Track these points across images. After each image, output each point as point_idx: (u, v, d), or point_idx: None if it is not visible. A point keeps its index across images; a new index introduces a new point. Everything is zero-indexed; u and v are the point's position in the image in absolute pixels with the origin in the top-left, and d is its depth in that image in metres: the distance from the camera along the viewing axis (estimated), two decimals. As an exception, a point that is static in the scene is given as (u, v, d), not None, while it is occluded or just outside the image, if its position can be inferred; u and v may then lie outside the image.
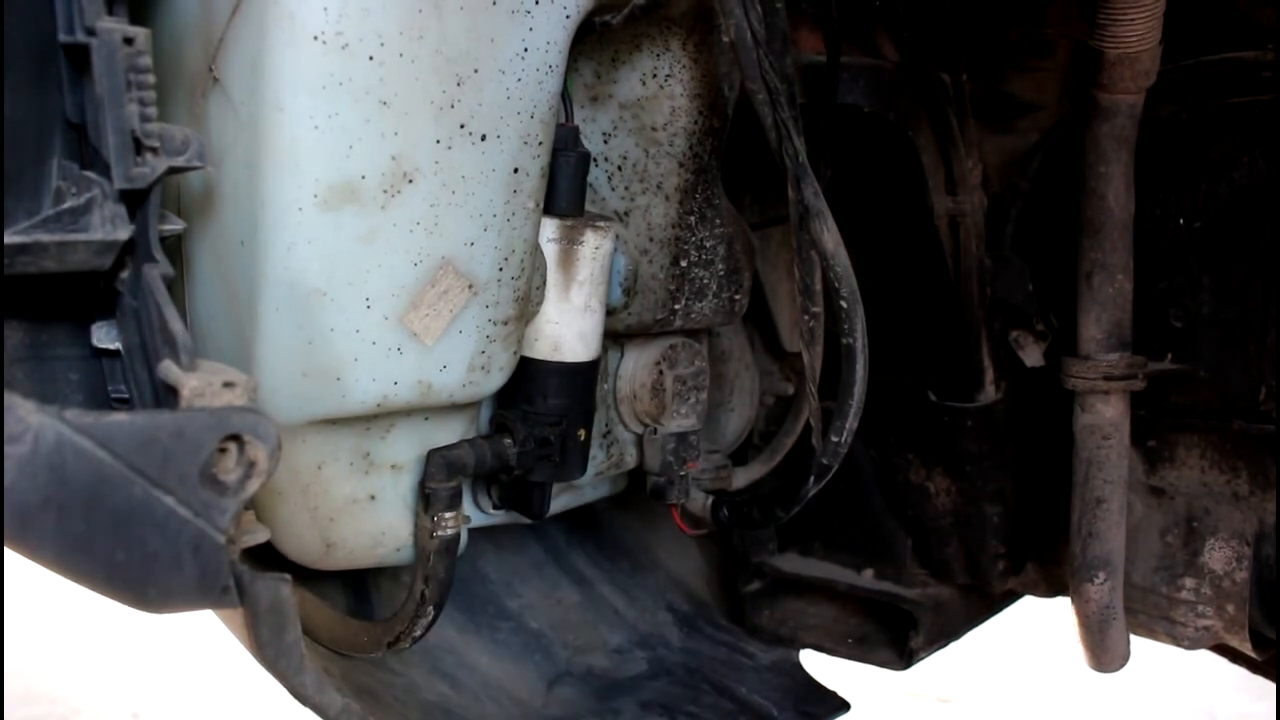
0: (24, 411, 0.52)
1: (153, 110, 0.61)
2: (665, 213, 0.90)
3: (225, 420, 0.57)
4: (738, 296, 0.99)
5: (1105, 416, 1.01)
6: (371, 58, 0.65)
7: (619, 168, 0.89)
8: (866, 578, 1.27)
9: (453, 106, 0.69)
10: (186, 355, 0.60)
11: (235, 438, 0.58)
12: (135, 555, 0.57)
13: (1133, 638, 1.11)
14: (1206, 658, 1.23)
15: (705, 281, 0.95)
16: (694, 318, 0.96)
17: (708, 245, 0.93)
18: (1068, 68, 1.13)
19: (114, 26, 0.59)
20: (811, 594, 1.30)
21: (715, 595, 1.37)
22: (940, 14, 1.07)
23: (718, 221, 0.93)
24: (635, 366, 0.98)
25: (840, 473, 0.96)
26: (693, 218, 0.91)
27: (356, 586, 1.05)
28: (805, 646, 1.30)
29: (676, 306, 0.93)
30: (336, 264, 0.68)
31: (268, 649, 0.63)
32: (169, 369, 0.60)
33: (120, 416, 0.55)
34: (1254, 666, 1.24)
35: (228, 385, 0.60)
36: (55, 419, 0.53)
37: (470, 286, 0.74)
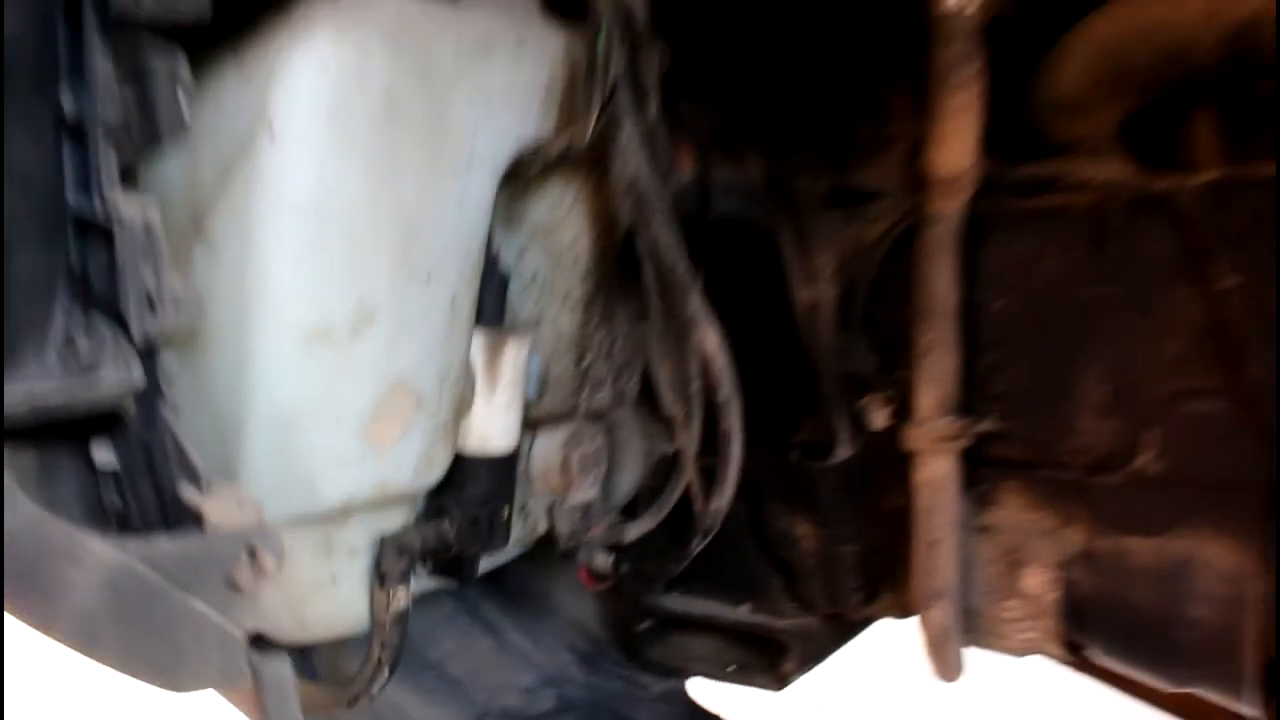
0: (93, 545, 0.64)
1: (166, 274, 0.73)
2: (571, 320, 1.05)
3: (245, 538, 0.71)
4: (630, 385, 1.15)
5: (938, 472, 1.21)
6: (342, 221, 0.79)
7: (532, 281, 1.04)
8: (743, 612, 1.44)
9: (406, 255, 0.83)
10: (204, 482, 0.72)
11: (250, 550, 0.71)
12: (173, 650, 0.70)
13: (976, 650, 1.32)
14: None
15: (603, 375, 1.11)
16: (594, 406, 1.11)
17: (606, 345, 1.09)
18: (908, 158, 1.33)
19: (136, 212, 0.71)
20: (696, 629, 1.47)
21: (610, 635, 1.53)
22: (796, 120, 1.25)
23: (614, 323, 1.10)
24: (546, 449, 1.13)
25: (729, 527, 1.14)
26: (594, 322, 1.07)
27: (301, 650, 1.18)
28: (692, 675, 1.47)
29: (580, 398, 1.09)
30: (313, 393, 0.82)
31: (273, 717, 0.76)
32: (192, 494, 0.72)
33: (165, 542, 0.68)
34: (1080, 667, 1.47)
35: (240, 505, 0.73)
36: (118, 549, 0.65)
37: (417, 401, 0.88)
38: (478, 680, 1.35)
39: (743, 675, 1.45)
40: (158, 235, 0.71)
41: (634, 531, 1.28)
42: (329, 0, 0.73)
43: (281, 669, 0.76)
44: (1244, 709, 1.22)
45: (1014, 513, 1.27)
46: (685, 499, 1.28)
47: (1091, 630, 1.26)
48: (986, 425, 1.23)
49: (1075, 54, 1.16)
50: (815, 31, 1.21)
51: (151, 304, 0.73)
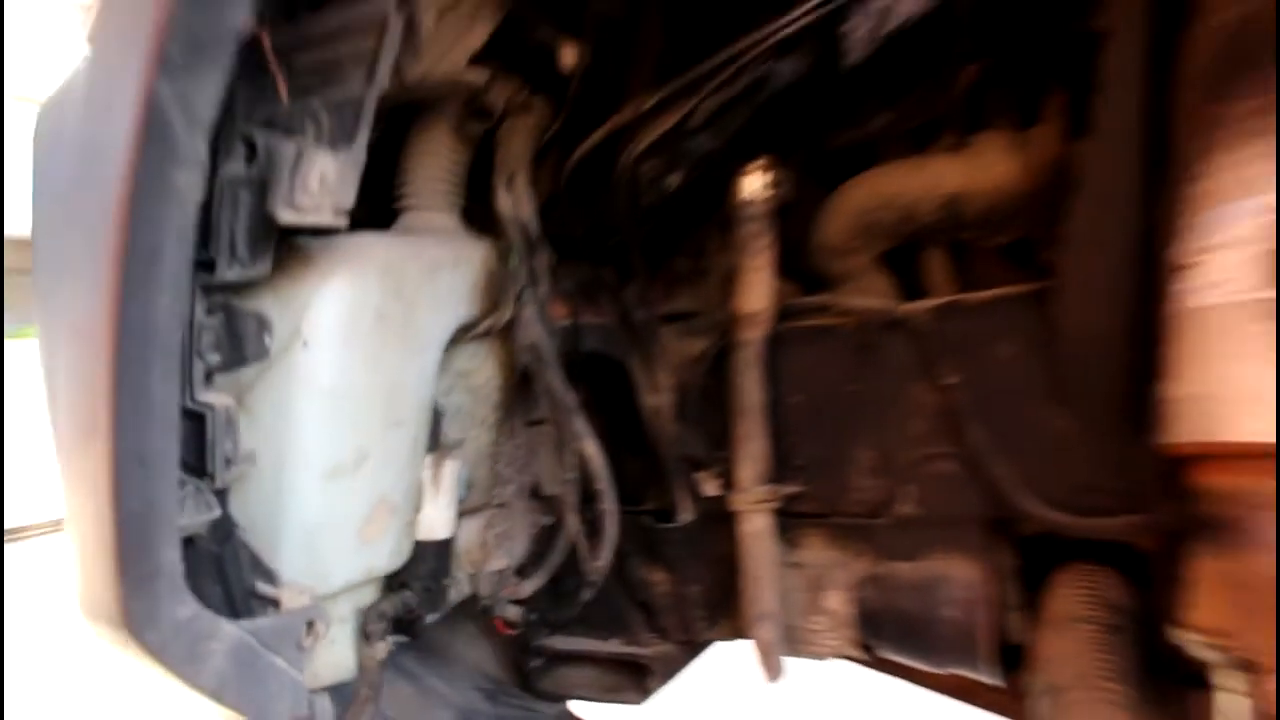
0: (222, 623, 0.98)
1: (234, 443, 1.07)
2: (486, 437, 1.42)
3: (309, 614, 1.06)
4: (527, 480, 1.52)
5: (757, 525, 1.60)
6: (349, 395, 1.14)
7: (457, 412, 1.41)
8: (613, 645, 1.80)
9: (387, 412, 1.19)
10: (276, 578, 1.07)
11: (309, 622, 1.06)
12: (263, 695, 1.03)
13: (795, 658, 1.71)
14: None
15: (509, 475, 1.48)
16: (502, 498, 1.49)
17: (509, 453, 1.47)
18: (720, 283, 1.71)
19: (219, 401, 1.05)
20: (576, 661, 1.83)
21: (506, 674, 1.88)
22: (634, 267, 1.64)
23: (514, 437, 1.47)
24: (469, 532, 1.49)
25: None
26: (503, 439, 1.44)
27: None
28: (575, 698, 1.83)
29: (493, 493, 1.46)
30: (328, 511, 1.16)
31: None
32: (267, 589, 1.06)
33: (264, 620, 1.02)
34: (873, 665, 1.89)
35: (300, 593, 1.08)
36: (236, 627, 0.99)
37: (393, 509, 1.24)
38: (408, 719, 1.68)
39: (615, 695, 1.82)
40: (235, 418, 1.06)
41: (528, 588, 1.64)
42: (341, 251, 1.09)
43: (326, 705, 1.10)
44: (987, 680, 1.66)
45: (815, 551, 1.64)
46: (565, 563, 1.65)
47: (878, 634, 1.62)
48: (790, 489, 1.60)
49: (837, 214, 1.58)
50: (644, 203, 1.60)
51: (228, 462, 1.07)
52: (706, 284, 1.71)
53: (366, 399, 1.15)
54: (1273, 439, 1.11)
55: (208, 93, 0.76)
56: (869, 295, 1.61)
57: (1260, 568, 1.15)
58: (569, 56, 1.27)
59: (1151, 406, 1.26)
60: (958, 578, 1.54)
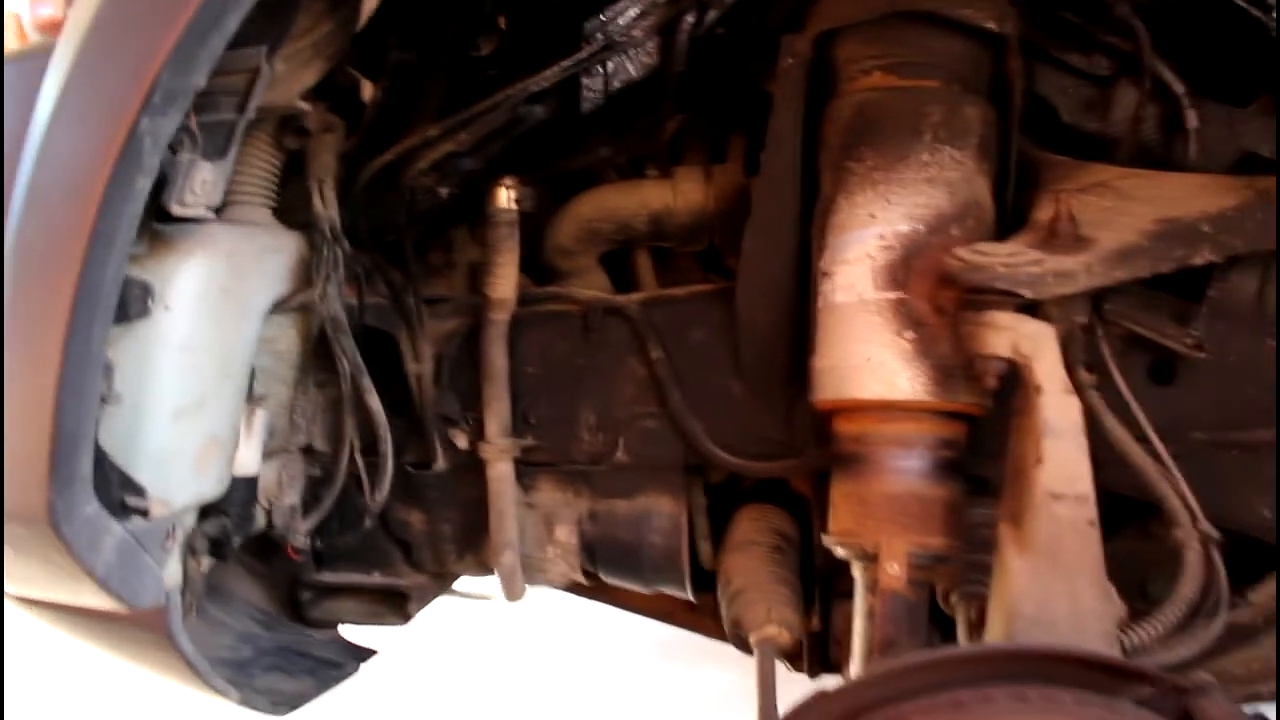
0: (112, 522, 1.25)
1: (109, 385, 1.34)
2: (286, 393, 1.73)
3: (170, 522, 1.35)
4: (315, 428, 1.83)
5: (502, 471, 1.95)
6: (197, 351, 1.42)
7: (263, 370, 1.69)
8: (376, 577, 2.12)
9: (223, 367, 1.48)
10: (145, 495, 1.35)
11: (170, 528, 1.35)
12: (137, 585, 1.30)
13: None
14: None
15: (302, 424, 1.79)
16: (296, 443, 1.79)
17: (305, 409, 1.78)
18: (468, 274, 2.05)
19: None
20: (343, 593, 2.13)
21: (275, 607, 2.15)
22: (403, 259, 1.96)
23: (310, 395, 1.78)
24: (269, 472, 1.77)
25: (358, 515, 1.86)
26: (299, 395, 1.75)
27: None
28: (343, 623, 2.14)
29: (292, 440, 1.76)
30: (175, 444, 1.43)
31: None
32: (136, 501, 1.34)
33: (138, 524, 1.30)
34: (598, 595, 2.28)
35: (163, 505, 1.36)
36: (121, 526, 1.27)
37: (220, 446, 1.53)
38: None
39: (379, 619, 2.14)
40: (111, 365, 1.33)
41: (311, 523, 1.91)
42: (197, 236, 1.39)
43: (176, 600, 1.39)
44: (685, 596, 2.08)
45: (546, 493, 1.99)
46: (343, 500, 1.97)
47: (598, 561, 2.01)
48: (527, 441, 1.96)
49: (566, 222, 1.97)
50: (419, 209, 1.90)
51: (103, 400, 1.33)
52: (454, 274, 2.07)
53: (208, 355, 1.44)
54: (884, 396, 1.58)
55: (170, 126, 1.06)
56: (591, 288, 2.02)
57: (876, 485, 1.62)
58: (368, 91, 1.61)
59: (804, 376, 1.72)
60: (663, 511, 1.96)
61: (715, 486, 2.07)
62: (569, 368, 1.98)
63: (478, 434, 1.97)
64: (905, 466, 1.60)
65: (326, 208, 1.62)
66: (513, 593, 2.01)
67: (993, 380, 1.53)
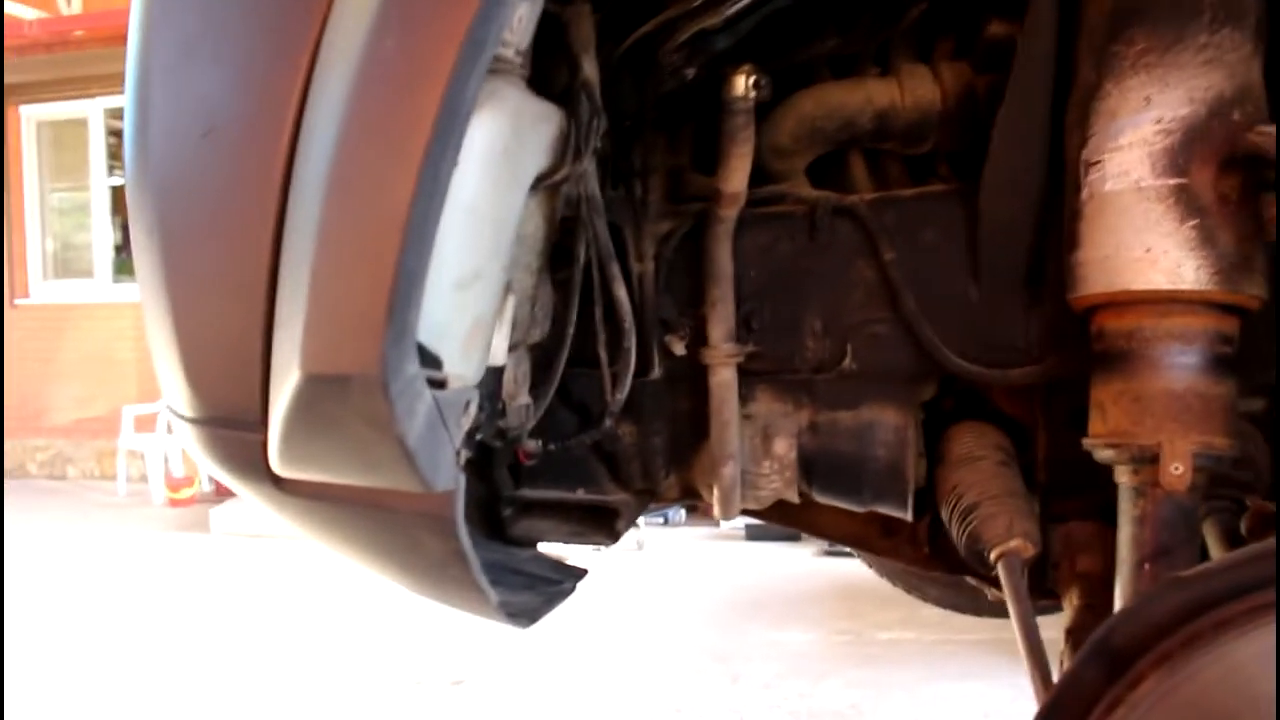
0: (425, 387, 1.16)
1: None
2: (529, 282, 1.63)
3: (468, 394, 1.25)
4: (547, 322, 1.74)
5: (725, 378, 1.87)
6: (478, 215, 1.33)
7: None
8: (580, 494, 2.04)
9: (495, 239, 1.38)
10: (441, 366, 1.26)
11: (467, 401, 1.26)
12: (439, 459, 1.21)
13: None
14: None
15: (540, 318, 1.69)
16: (533, 339, 1.70)
17: (544, 301, 1.68)
18: (666, 178, 1.95)
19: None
20: (545, 510, 2.05)
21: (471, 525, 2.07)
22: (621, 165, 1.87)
23: (548, 287, 1.69)
24: (509, 366, 1.69)
25: (558, 431, 1.76)
26: (541, 285, 1.66)
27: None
28: (545, 542, 2.06)
29: (529, 333, 1.67)
30: (450, 317, 1.33)
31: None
32: (434, 373, 1.25)
33: (442, 393, 1.21)
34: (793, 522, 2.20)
35: (459, 378, 1.27)
36: (431, 393, 1.18)
37: (484, 328, 1.44)
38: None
39: (584, 537, 2.05)
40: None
41: (534, 418, 1.83)
42: (485, 90, 1.28)
43: (463, 480, 1.30)
44: (905, 514, 1.99)
45: (765, 404, 1.92)
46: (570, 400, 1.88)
47: (815, 477, 1.93)
48: (749, 348, 1.88)
49: (786, 119, 1.87)
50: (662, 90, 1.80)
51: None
52: (656, 179, 1.98)
53: (487, 223, 1.35)
54: (1168, 287, 1.50)
55: None
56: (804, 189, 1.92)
57: (1154, 382, 1.53)
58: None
59: (1054, 276, 1.62)
60: (889, 423, 1.88)
61: (924, 405, 1.98)
62: (793, 271, 1.89)
63: (696, 340, 1.89)
64: (1186, 362, 1.52)
65: (591, 76, 1.52)
66: (729, 509, 1.92)
67: None
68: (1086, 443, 1.60)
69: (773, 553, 6.95)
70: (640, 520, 7.75)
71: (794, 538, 7.02)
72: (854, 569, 4.45)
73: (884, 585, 3.61)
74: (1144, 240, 1.49)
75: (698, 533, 7.67)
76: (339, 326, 1.06)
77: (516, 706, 4.05)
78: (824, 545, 6.73)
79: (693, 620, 5.39)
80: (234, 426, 1.29)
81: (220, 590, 5.98)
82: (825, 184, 1.95)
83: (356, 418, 1.10)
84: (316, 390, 1.11)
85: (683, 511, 7.78)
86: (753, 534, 7.13)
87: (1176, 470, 1.48)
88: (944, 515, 1.90)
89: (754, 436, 1.94)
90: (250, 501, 1.49)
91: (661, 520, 7.71)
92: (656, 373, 1.93)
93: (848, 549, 2.78)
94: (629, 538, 7.54)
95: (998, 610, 2.87)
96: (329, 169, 1.05)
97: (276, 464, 1.27)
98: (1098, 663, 1.21)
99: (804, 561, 6.76)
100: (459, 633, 4.78)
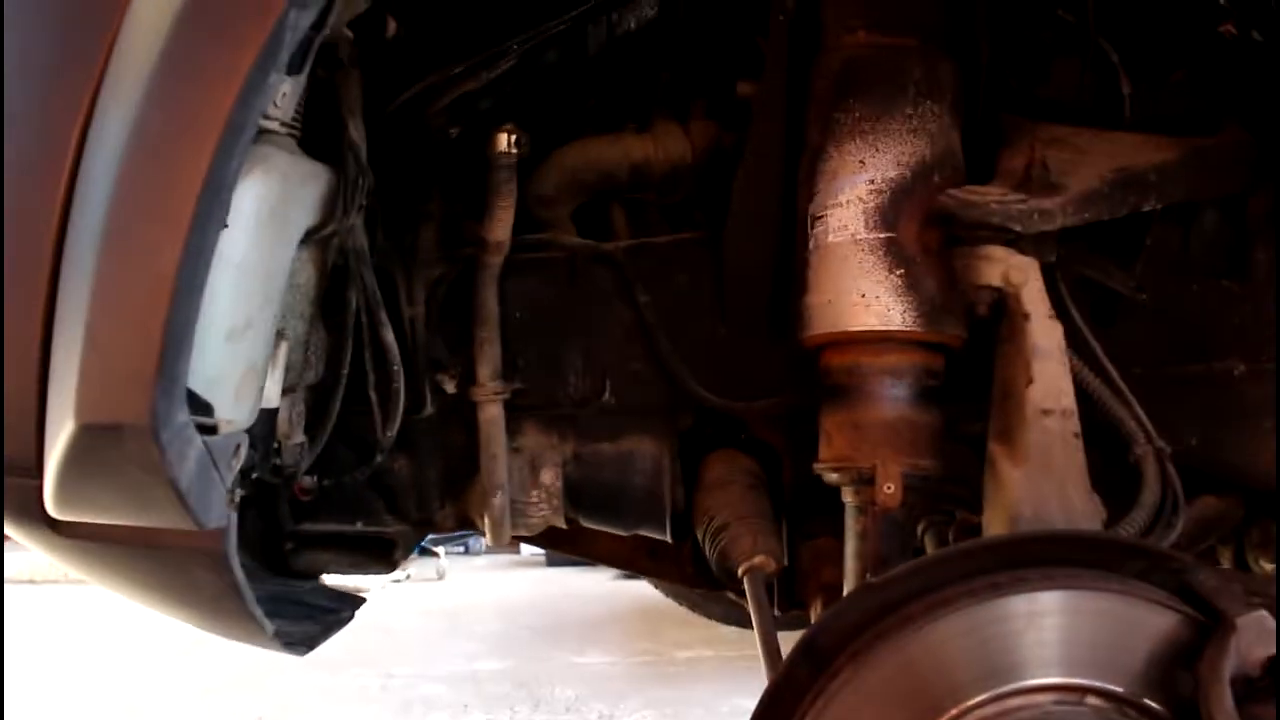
0: (195, 434, 1.26)
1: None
2: (302, 329, 1.74)
3: (238, 439, 1.36)
4: (321, 365, 1.85)
5: (493, 413, 2.01)
6: (248, 270, 1.43)
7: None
8: (358, 527, 2.14)
9: (265, 290, 1.49)
10: (212, 412, 1.36)
11: (237, 445, 1.36)
12: (208, 502, 1.31)
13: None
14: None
15: (313, 364, 1.80)
16: (307, 381, 1.80)
17: (317, 346, 1.79)
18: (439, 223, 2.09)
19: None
20: (324, 543, 2.14)
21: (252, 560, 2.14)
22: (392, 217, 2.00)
23: (320, 333, 1.80)
24: (283, 409, 1.77)
25: (336, 467, 1.88)
26: (314, 331, 1.76)
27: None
28: (326, 574, 2.14)
29: (304, 377, 1.77)
30: (222, 367, 1.42)
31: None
32: (204, 419, 1.35)
33: (212, 439, 1.31)
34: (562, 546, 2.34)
35: (229, 423, 1.37)
36: (200, 439, 1.28)
37: (257, 375, 1.54)
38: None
39: (364, 568, 2.15)
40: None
41: (310, 457, 1.92)
42: (255, 155, 1.39)
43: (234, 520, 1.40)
44: (662, 537, 2.16)
45: (532, 437, 2.06)
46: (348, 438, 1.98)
47: (581, 504, 2.09)
48: (516, 385, 2.03)
49: (550, 171, 2.04)
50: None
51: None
52: (429, 228, 2.11)
53: (256, 278, 1.45)
54: (879, 328, 1.70)
55: (307, 22, 1.09)
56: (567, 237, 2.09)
57: (870, 412, 1.74)
58: (391, 28, 1.65)
59: (790, 317, 1.83)
60: (647, 453, 2.07)
61: (682, 434, 2.16)
62: (555, 314, 2.06)
63: (466, 379, 2.03)
64: (896, 394, 1.73)
65: (358, 139, 1.65)
66: (501, 537, 2.06)
67: (984, 308, 1.68)
68: (816, 467, 1.80)
69: (572, 578, 7.09)
70: (441, 550, 7.84)
71: (594, 562, 7.16)
72: (652, 592, 4.65)
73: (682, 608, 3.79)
74: (860, 286, 1.71)
75: (498, 560, 7.76)
76: (112, 378, 1.15)
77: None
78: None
79: (494, 647, 5.48)
80: (10, 473, 1.35)
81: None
82: (590, 231, 2.13)
83: (130, 463, 1.19)
84: (91, 438, 1.19)
85: (483, 540, 7.82)
86: (553, 560, 7.26)
87: (889, 489, 1.69)
88: (699, 536, 2.08)
89: (522, 468, 2.08)
90: (28, 546, 1.54)
91: (462, 549, 7.77)
92: (429, 410, 2.04)
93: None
94: (430, 567, 7.58)
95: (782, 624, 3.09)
96: (103, 229, 1.14)
97: (53, 508, 1.34)
98: (806, 660, 1.39)
99: (603, 585, 6.91)
100: (255, 673, 4.74)
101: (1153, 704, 1.30)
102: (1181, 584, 1.34)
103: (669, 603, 4.24)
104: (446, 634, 5.73)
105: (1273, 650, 1.25)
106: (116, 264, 1.14)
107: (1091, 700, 1.31)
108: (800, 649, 1.40)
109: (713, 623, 3.93)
